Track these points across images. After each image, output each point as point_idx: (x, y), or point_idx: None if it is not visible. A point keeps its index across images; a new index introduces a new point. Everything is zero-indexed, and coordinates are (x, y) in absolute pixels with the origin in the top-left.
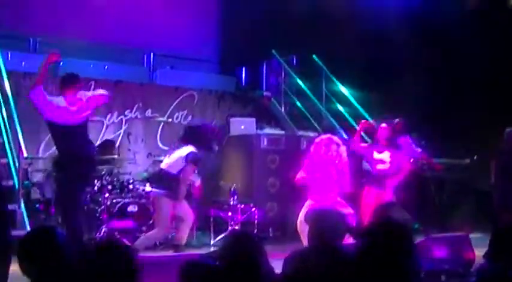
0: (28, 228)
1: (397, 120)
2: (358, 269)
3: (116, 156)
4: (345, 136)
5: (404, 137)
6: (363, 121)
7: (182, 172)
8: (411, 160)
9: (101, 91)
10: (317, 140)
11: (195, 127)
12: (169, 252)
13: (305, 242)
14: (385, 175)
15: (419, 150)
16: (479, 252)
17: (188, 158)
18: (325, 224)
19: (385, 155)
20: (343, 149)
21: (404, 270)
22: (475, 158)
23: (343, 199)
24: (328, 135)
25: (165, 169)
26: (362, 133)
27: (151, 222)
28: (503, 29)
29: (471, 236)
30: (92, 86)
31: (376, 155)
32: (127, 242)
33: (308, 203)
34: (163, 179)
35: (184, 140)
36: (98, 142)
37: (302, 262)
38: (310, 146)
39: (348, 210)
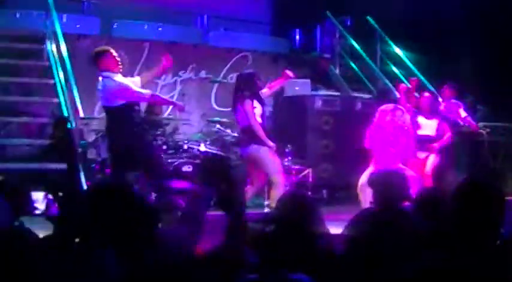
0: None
1: (445, 86)
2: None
3: (170, 117)
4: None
5: (453, 103)
6: (403, 86)
7: (248, 115)
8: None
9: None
10: (382, 107)
11: (244, 75)
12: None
13: (365, 204)
14: (430, 140)
15: (465, 114)
16: None
17: (244, 95)
18: (390, 185)
19: (433, 123)
20: (407, 116)
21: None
22: None
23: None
24: (393, 104)
25: (244, 125)
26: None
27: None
28: None
29: None
30: (146, 48)
31: (422, 120)
32: (182, 203)
33: (370, 169)
34: (251, 134)
35: (236, 90)
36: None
37: (371, 224)
38: (364, 107)
39: (412, 175)
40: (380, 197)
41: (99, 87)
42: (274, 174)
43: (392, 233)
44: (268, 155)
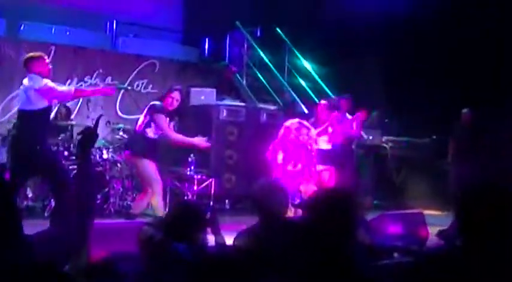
0: None
1: (341, 99)
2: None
3: (73, 123)
4: (305, 110)
5: (347, 118)
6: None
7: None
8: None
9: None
10: (287, 123)
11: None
12: (121, 220)
13: None
14: (327, 152)
15: (355, 129)
16: (432, 230)
17: (150, 110)
18: (268, 196)
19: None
20: (313, 133)
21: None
22: (434, 137)
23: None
24: (298, 120)
25: (138, 130)
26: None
27: (106, 190)
28: (466, 10)
29: (426, 213)
30: (52, 51)
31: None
32: None
33: None
34: (139, 140)
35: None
36: (56, 108)
37: (253, 237)
38: (269, 119)
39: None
40: (260, 208)
41: (22, 88)
42: (153, 184)
43: (275, 244)
44: (147, 166)
